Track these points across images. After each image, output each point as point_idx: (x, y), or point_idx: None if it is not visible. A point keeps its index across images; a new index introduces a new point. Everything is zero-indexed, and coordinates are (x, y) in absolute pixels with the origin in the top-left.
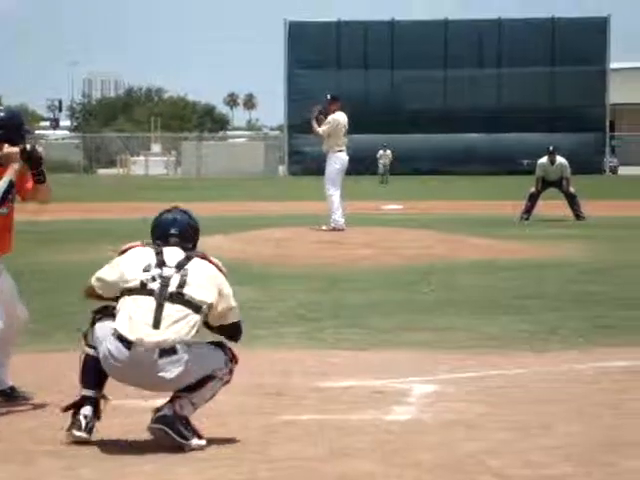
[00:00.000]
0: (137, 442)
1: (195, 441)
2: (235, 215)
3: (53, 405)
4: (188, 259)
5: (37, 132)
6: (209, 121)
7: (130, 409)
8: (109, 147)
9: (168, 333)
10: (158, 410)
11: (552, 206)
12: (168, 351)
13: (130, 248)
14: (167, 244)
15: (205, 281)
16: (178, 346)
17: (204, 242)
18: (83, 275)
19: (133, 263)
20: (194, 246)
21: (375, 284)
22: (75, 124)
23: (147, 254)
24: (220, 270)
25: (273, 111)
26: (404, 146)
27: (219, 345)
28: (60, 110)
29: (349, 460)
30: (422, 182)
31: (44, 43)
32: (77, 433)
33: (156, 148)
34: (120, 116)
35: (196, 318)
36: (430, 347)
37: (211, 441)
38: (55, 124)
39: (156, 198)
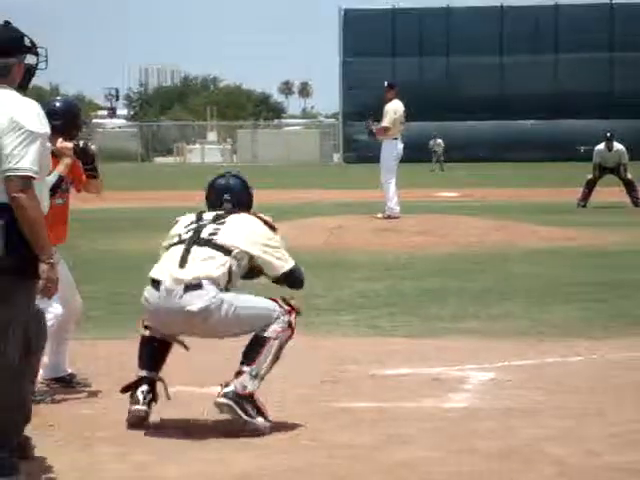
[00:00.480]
0: (194, 429)
1: (260, 420)
2: (290, 203)
3: (111, 392)
4: (228, 213)
5: (94, 121)
6: (264, 109)
7: (187, 396)
8: (166, 135)
9: (193, 270)
10: (226, 385)
11: (610, 193)
12: (194, 286)
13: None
14: (220, 212)
15: (241, 230)
16: (205, 282)
17: None
18: (141, 263)
19: (177, 226)
20: (248, 210)
21: (430, 272)
22: (132, 113)
23: (190, 217)
24: (267, 224)
25: (328, 99)
26: (460, 133)
27: (268, 299)
28: (117, 99)
29: (406, 447)
30: (478, 169)
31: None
32: (135, 407)
33: (212, 136)
34: (176, 105)
35: (226, 259)
36: (487, 334)
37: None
38: (112, 113)
39: None
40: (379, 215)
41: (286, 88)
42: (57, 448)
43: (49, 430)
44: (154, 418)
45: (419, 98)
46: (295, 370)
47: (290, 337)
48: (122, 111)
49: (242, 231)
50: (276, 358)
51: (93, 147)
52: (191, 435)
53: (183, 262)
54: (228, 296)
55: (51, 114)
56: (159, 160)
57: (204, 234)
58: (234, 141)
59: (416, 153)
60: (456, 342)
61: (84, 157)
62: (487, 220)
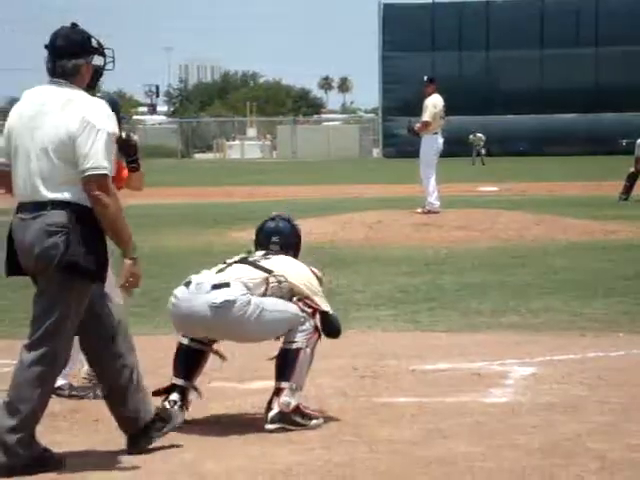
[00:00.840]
0: (234, 424)
1: (313, 422)
2: (330, 198)
3: (152, 388)
4: (277, 253)
5: (135, 118)
6: (304, 105)
7: (228, 392)
8: (205, 132)
9: (225, 275)
10: (269, 409)
11: None
12: (221, 285)
13: None
14: (268, 251)
15: (289, 265)
16: (233, 282)
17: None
18: (187, 258)
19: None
20: (296, 254)
21: (470, 266)
22: (172, 109)
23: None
24: (314, 273)
25: (368, 94)
26: (500, 127)
27: (291, 302)
28: (157, 95)
29: (447, 442)
30: (518, 163)
31: (139, 29)
32: (165, 425)
33: (252, 132)
34: (216, 101)
35: (265, 275)
36: (528, 329)
37: None
38: (152, 109)
39: (257, 181)
40: (419, 210)
41: (325, 83)
42: (103, 444)
43: (93, 425)
44: (195, 415)
45: (458, 92)
46: (336, 365)
47: (318, 340)
48: (162, 107)
49: (289, 266)
50: (309, 364)
51: (135, 138)
52: (232, 431)
53: (220, 271)
54: (255, 299)
55: None
56: (199, 156)
57: (250, 259)
58: (274, 137)
59: (456, 147)
60: (497, 337)
61: (127, 148)
62: (527, 214)
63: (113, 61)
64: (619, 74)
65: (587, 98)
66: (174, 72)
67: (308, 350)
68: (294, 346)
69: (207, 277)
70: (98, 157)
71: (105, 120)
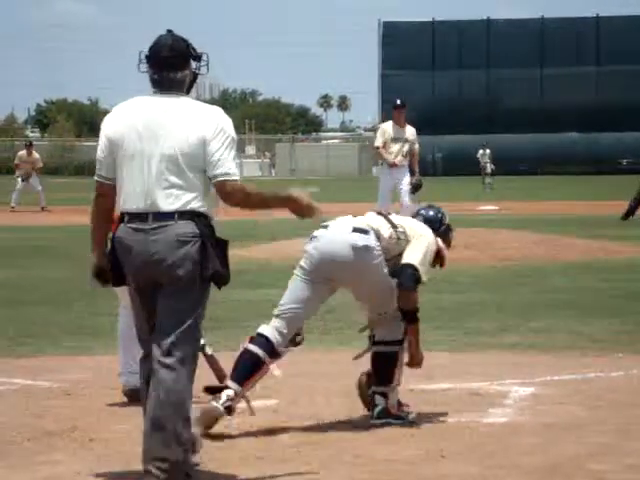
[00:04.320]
0: (230, 444)
1: (411, 416)
2: (329, 216)
3: None
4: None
5: None
6: (303, 123)
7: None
8: None
9: (363, 221)
10: (374, 405)
11: None
12: (362, 229)
13: None
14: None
15: (415, 226)
16: (372, 231)
17: (288, 245)
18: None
19: None
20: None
21: (470, 285)
22: None
23: None
24: (436, 245)
25: (367, 112)
26: (500, 146)
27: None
28: None
29: (446, 462)
30: (518, 182)
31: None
32: (213, 403)
33: (251, 150)
34: None
35: (392, 231)
36: (528, 349)
37: (305, 443)
38: None
39: None
40: None
41: (325, 102)
42: (97, 463)
43: (89, 444)
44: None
45: (459, 111)
46: (337, 384)
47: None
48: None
49: (416, 228)
50: (400, 367)
51: None
52: (232, 452)
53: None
54: (382, 259)
55: None
56: None
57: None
58: (272, 154)
59: (459, 166)
60: (496, 356)
61: None
62: (527, 233)
63: (207, 65)
64: (619, 93)
65: (588, 117)
66: None
67: (402, 351)
68: (394, 349)
69: (347, 220)
70: (231, 163)
71: (232, 127)
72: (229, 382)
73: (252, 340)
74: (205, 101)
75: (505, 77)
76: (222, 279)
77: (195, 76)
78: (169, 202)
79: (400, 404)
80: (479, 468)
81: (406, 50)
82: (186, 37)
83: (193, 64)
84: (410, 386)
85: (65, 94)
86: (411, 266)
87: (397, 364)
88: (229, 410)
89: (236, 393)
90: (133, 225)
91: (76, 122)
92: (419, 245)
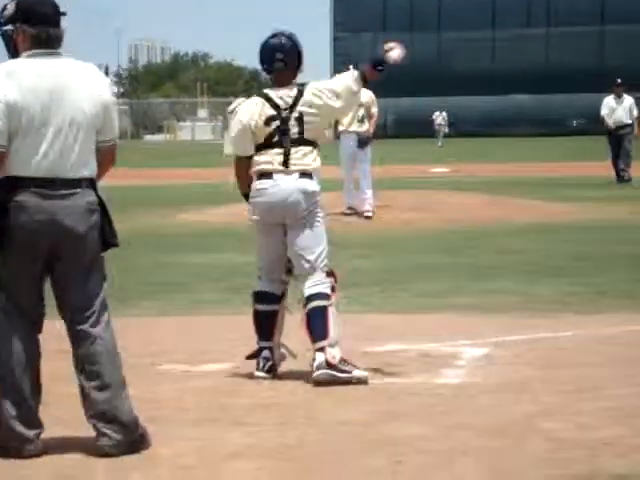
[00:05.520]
0: (186, 408)
1: (356, 372)
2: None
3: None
4: (298, 97)
5: None
6: (256, 86)
7: (178, 375)
8: (156, 113)
9: (298, 163)
10: (314, 360)
11: (598, 167)
12: (307, 174)
13: (239, 105)
14: (272, 69)
15: (316, 113)
16: (314, 175)
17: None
18: (135, 241)
19: (248, 115)
20: (298, 67)
21: (422, 248)
22: (122, 90)
23: (259, 104)
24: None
25: (319, 74)
26: (451, 109)
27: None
28: (107, 76)
29: (398, 423)
30: (469, 145)
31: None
32: (257, 373)
33: (203, 113)
34: (166, 82)
35: (315, 151)
36: (479, 310)
37: (259, 406)
38: None
39: (206, 163)
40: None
41: None
42: (53, 426)
43: (43, 408)
44: (145, 398)
45: (411, 73)
46: (291, 345)
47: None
48: (112, 89)
49: (320, 119)
50: (336, 319)
51: None
52: (182, 414)
53: (286, 161)
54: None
55: None
56: (149, 138)
57: (293, 133)
58: (225, 118)
59: (410, 128)
60: (449, 318)
61: None
62: (478, 195)
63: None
64: (569, 55)
65: (538, 79)
66: (124, 53)
67: (333, 306)
68: (321, 304)
69: (284, 168)
70: (116, 126)
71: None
72: (260, 343)
73: (256, 300)
74: (157, 65)
75: (456, 39)
76: (116, 246)
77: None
78: (76, 169)
79: (344, 360)
80: (432, 429)
81: (357, 12)
82: (132, 1)
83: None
84: (360, 348)
85: None
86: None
87: (329, 318)
88: (271, 369)
89: (270, 348)
90: (39, 190)
91: None
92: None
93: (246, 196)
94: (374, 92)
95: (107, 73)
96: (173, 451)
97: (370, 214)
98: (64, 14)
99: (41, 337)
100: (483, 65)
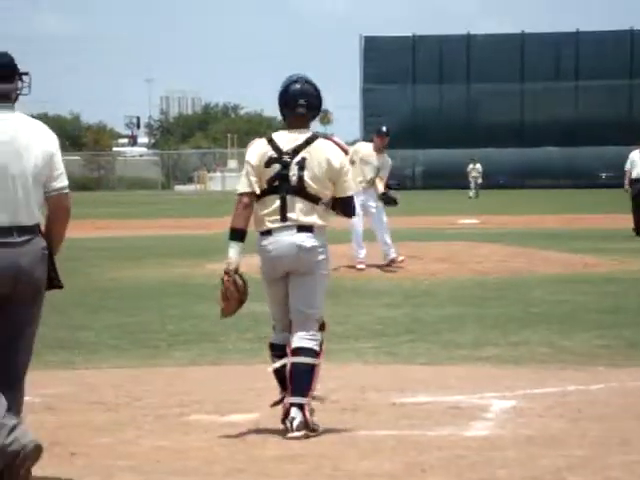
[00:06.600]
0: (213, 458)
1: (319, 428)
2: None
3: (133, 421)
4: (307, 143)
5: (115, 149)
6: None
7: (207, 425)
8: (186, 163)
9: (299, 216)
10: (291, 418)
11: (626, 220)
12: (306, 228)
13: (250, 145)
14: (294, 113)
15: (323, 168)
16: (315, 229)
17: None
18: (163, 290)
19: (254, 155)
20: (317, 113)
21: (450, 299)
22: (153, 141)
23: (264, 147)
24: (341, 147)
25: (349, 126)
26: (480, 160)
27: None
28: (138, 127)
29: (426, 476)
30: (498, 196)
31: (120, 60)
32: (291, 434)
33: (233, 164)
34: (197, 133)
35: (319, 207)
36: (507, 362)
37: (286, 457)
38: (133, 141)
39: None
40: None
41: None
42: (79, 477)
43: (69, 459)
44: (175, 448)
45: (439, 125)
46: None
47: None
48: (143, 139)
49: (324, 170)
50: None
51: None
52: (211, 465)
53: (284, 213)
54: (323, 263)
55: None
56: (179, 188)
57: (293, 180)
58: None
59: (436, 179)
60: (476, 370)
61: None
62: (507, 247)
63: (29, 86)
64: (598, 108)
65: (567, 132)
66: (155, 103)
67: (320, 365)
68: (310, 361)
69: (284, 222)
70: (65, 174)
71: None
72: (292, 399)
73: (271, 354)
74: (187, 116)
75: (485, 92)
76: (58, 288)
77: (17, 96)
78: (30, 216)
79: (312, 414)
80: None
81: (387, 65)
82: (163, 52)
83: (19, 83)
84: (388, 399)
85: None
86: (352, 197)
87: (315, 377)
88: (306, 424)
89: (301, 405)
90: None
91: (57, 136)
92: (348, 174)
93: (235, 231)
94: (403, 143)
95: (138, 125)
96: None
97: (400, 258)
98: (25, 74)
99: (75, 388)
100: (512, 117)
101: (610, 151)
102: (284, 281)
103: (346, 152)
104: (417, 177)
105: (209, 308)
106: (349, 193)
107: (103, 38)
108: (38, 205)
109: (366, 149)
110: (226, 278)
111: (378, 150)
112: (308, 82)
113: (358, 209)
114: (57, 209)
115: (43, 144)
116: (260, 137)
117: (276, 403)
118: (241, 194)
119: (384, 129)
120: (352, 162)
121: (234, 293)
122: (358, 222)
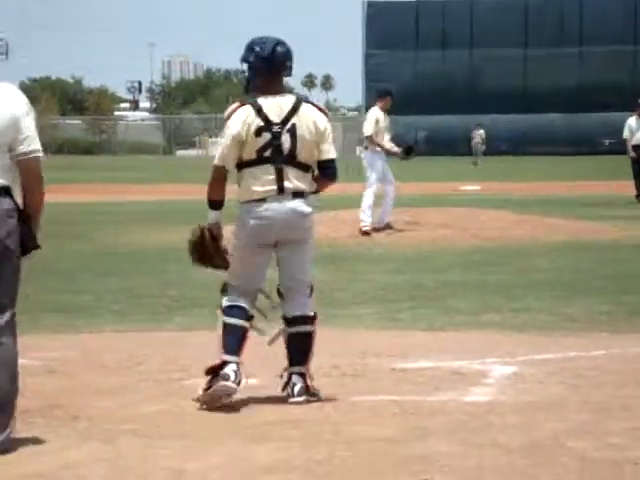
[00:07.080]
0: (213, 422)
1: (321, 393)
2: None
3: (131, 385)
4: (293, 111)
5: (117, 113)
6: None
7: (195, 388)
8: (188, 128)
9: (292, 184)
10: (293, 384)
11: (629, 186)
12: (299, 194)
13: (233, 112)
14: (280, 77)
15: (310, 137)
16: (305, 195)
17: None
18: (162, 255)
19: (238, 124)
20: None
21: (452, 265)
22: (154, 106)
23: (251, 115)
24: (323, 111)
25: (351, 92)
26: (483, 126)
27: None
28: (140, 92)
29: (427, 441)
30: (500, 163)
31: (123, 25)
32: (225, 383)
33: None
34: (199, 97)
35: (309, 175)
36: (508, 328)
37: (288, 422)
38: (135, 106)
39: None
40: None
41: (309, 81)
42: (80, 441)
43: (73, 422)
44: (172, 412)
45: (442, 91)
46: (316, 363)
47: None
48: (145, 104)
49: (313, 135)
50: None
51: None
52: (209, 428)
53: (280, 184)
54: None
55: None
56: (181, 153)
57: (285, 149)
58: None
59: (438, 145)
60: (478, 335)
61: None
62: (510, 214)
63: (6, 53)
64: (601, 74)
65: (570, 98)
66: (157, 68)
67: (316, 333)
68: (308, 329)
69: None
70: (37, 139)
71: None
72: (226, 357)
73: (228, 313)
74: (189, 80)
75: (488, 57)
76: (36, 250)
77: None
78: None
79: (312, 379)
80: (460, 447)
81: (389, 30)
82: (166, 17)
83: None
84: (390, 364)
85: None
86: (334, 160)
87: (313, 344)
88: (239, 382)
89: (237, 363)
90: None
91: (59, 100)
92: (330, 136)
93: (215, 202)
94: (406, 109)
95: (140, 89)
96: (201, 466)
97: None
98: None
99: (76, 351)
100: (515, 83)
101: (614, 117)
102: (269, 249)
103: (326, 114)
104: (419, 143)
105: (210, 274)
106: (332, 155)
107: (106, 3)
108: (2, 168)
109: (382, 116)
110: (208, 235)
111: (387, 111)
112: (284, 43)
113: (380, 175)
114: (26, 174)
115: (8, 107)
116: (241, 101)
117: (211, 370)
118: (222, 166)
119: (391, 90)
120: (377, 132)
121: (211, 248)
122: (373, 190)
